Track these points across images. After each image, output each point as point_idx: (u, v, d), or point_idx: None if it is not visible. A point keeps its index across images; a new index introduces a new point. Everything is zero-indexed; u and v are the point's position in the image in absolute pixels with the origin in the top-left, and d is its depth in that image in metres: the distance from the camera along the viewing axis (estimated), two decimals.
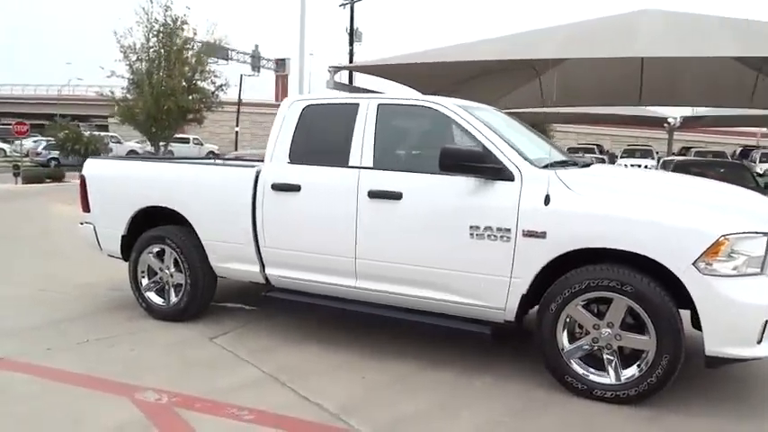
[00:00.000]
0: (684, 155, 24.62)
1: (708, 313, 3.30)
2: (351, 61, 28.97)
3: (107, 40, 19.10)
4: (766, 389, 3.95)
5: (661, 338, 3.39)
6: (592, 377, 3.60)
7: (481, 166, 3.76)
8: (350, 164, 4.28)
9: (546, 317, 3.67)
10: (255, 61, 47.17)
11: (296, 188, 4.40)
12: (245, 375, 3.96)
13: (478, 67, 13.61)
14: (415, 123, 4.46)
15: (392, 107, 4.38)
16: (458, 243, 3.87)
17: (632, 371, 3.52)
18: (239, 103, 39.25)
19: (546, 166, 3.89)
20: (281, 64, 50.52)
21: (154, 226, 5.19)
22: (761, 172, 18.72)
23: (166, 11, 18.71)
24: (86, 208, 5.49)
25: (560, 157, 4.39)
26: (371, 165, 4.21)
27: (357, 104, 4.41)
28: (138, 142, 34.20)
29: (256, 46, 47.39)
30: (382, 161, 4.24)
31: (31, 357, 4.25)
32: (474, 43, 12.43)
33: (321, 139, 4.58)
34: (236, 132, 37.92)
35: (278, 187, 4.47)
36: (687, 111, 24.07)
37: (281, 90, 56.99)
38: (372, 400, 3.61)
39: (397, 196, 4.05)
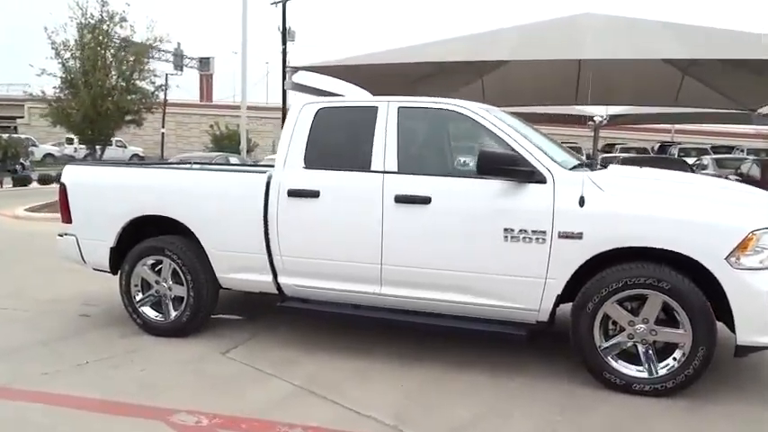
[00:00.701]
0: (609, 152, 25.93)
1: (740, 305, 3.49)
2: (284, 60, 28.64)
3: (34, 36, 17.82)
4: None
5: (697, 331, 3.54)
6: (630, 372, 3.72)
7: (516, 169, 3.80)
8: (372, 168, 4.20)
9: (583, 316, 3.75)
10: (178, 60, 45.33)
11: (315, 194, 4.27)
12: (277, 390, 3.80)
13: (429, 68, 13.77)
14: (437, 126, 4.43)
15: (413, 110, 4.34)
16: (491, 246, 3.88)
17: (669, 363, 3.66)
18: (165, 103, 37.76)
19: (572, 168, 3.99)
20: (205, 63, 48.87)
21: (143, 237, 4.89)
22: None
23: (103, 6, 17.65)
24: (67, 218, 5.09)
25: (577, 160, 4.50)
26: (396, 169, 4.15)
27: (376, 108, 4.34)
28: (54, 145, 32.12)
29: (179, 44, 45.64)
30: (406, 165, 4.19)
31: (29, 383, 3.90)
32: (427, 44, 12.55)
33: (338, 144, 4.47)
34: (162, 134, 36.43)
35: (295, 193, 4.32)
36: (613, 109, 25.37)
37: (207, 90, 55.28)
38: (421, 407, 3.55)
39: (425, 200, 4.02)
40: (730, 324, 3.58)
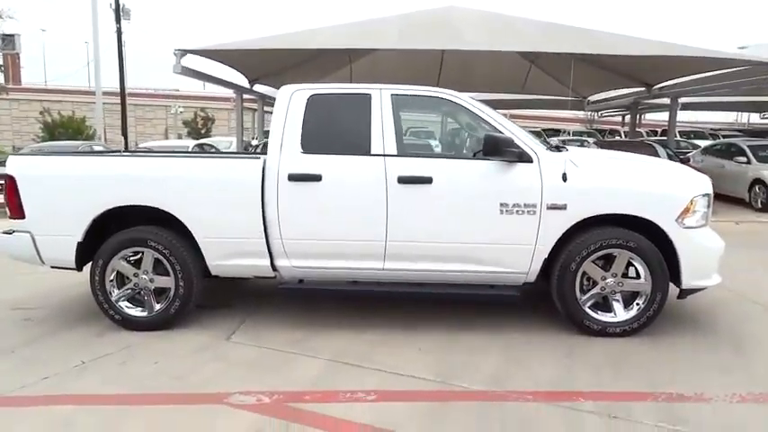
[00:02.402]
0: None
1: (686, 256, 4.39)
2: (119, 41, 26.47)
3: None
4: (708, 312, 5.26)
5: (655, 280, 4.40)
6: (604, 318, 4.48)
7: (510, 150, 4.34)
8: (373, 152, 4.48)
9: (567, 275, 4.43)
10: None
11: (317, 178, 4.44)
12: (312, 365, 3.97)
13: (305, 54, 13.92)
14: (429, 112, 4.82)
15: (405, 97, 4.68)
16: (488, 219, 4.40)
17: (633, 308, 4.49)
18: None
19: (549, 149, 4.64)
20: (8, 41, 43.25)
21: (105, 231, 4.66)
22: None
23: None
24: (18, 213, 4.64)
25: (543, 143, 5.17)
26: (395, 152, 4.48)
27: (369, 95, 4.60)
28: None
29: None
30: (405, 148, 4.53)
31: (39, 389, 3.65)
32: (306, 31, 12.64)
33: (335, 129, 4.65)
34: None
35: (296, 177, 4.44)
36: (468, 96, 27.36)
37: (13, 71, 48.93)
38: (451, 365, 3.97)
39: (427, 180, 4.41)
40: (675, 276, 4.47)
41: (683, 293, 4.58)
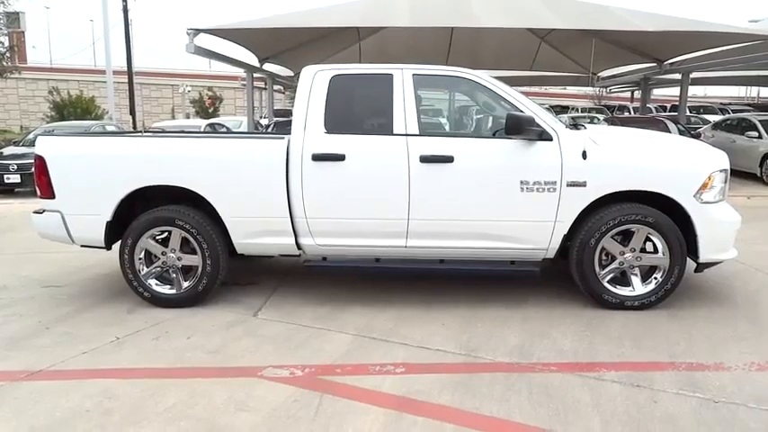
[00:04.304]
0: None
1: (703, 231, 4.47)
2: (126, 18, 26.35)
3: None
4: (723, 285, 5.35)
5: (673, 254, 4.49)
6: (623, 292, 4.59)
7: (532, 128, 4.40)
8: (395, 132, 4.55)
9: (587, 250, 4.52)
10: None
11: (341, 157, 4.52)
12: (341, 340, 4.10)
13: (314, 33, 13.89)
14: (450, 92, 4.87)
15: (426, 77, 4.74)
16: (509, 197, 4.48)
17: (651, 282, 4.59)
18: None
19: (568, 127, 4.70)
20: (14, 18, 43.16)
21: (133, 210, 4.79)
22: None
23: None
24: (49, 193, 4.76)
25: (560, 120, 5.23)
26: (417, 132, 4.54)
27: (390, 75, 4.66)
28: None
29: None
30: (426, 128, 4.61)
31: (79, 363, 3.80)
32: (320, 9, 12.60)
33: (357, 109, 4.73)
34: None
35: (320, 157, 4.52)
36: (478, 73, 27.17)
37: (19, 50, 48.88)
38: (476, 338, 4.09)
39: (449, 159, 4.48)
40: (692, 250, 4.56)
41: (701, 267, 4.67)
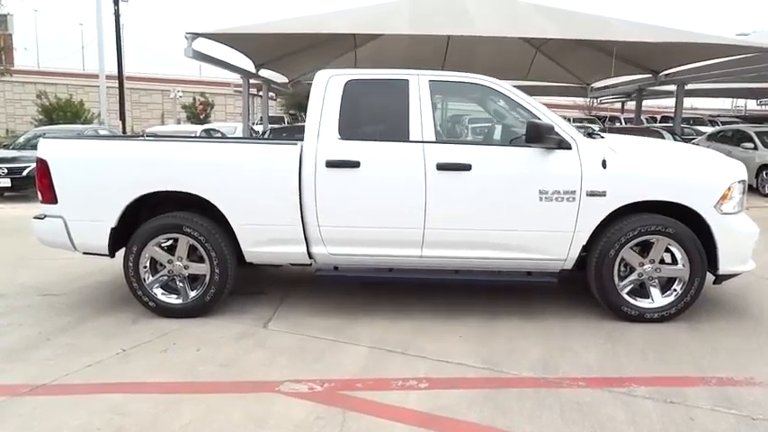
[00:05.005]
0: None
1: (723, 242, 4.40)
2: (117, 23, 26.11)
3: None
4: (737, 296, 5.27)
5: (693, 265, 4.41)
6: (642, 304, 4.50)
7: (552, 137, 4.31)
8: (411, 138, 4.44)
9: (607, 261, 4.43)
10: None
11: (355, 164, 4.39)
12: (357, 353, 3.96)
13: (312, 39, 13.78)
14: (467, 99, 4.78)
15: (443, 83, 4.64)
16: (527, 206, 4.38)
17: (671, 294, 4.50)
18: None
19: (586, 136, 4.62)
20: (1, 21, 42.75)
21: (138, 216, 4.63)
22: None
23: None
24: (51, 198, 4.58)
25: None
26: (434, 139, 4.44)
27: (406, 81, 4.56)
28: None
29: None
30: (443, 135, 4.51)
31: (84, 377, 3.63)
32: (318, 15, 12.49)
33: (372, 115, 4.62)
34: None
35: (334, 164, 4.40)
36: None
37: (7, 53, 48.33)
38: (496, 351, 3.97)
39: (466, 167, 4.38)
40: (710, 261, 4.48)
41: (719, 279, 4.60)
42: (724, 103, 44.52)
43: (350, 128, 4.50)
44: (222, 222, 4.55)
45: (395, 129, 4.49)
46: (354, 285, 5.21)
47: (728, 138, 13.71)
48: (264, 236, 4.55)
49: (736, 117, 29.03)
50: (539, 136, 4.25)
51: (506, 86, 4.58)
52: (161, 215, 4.60)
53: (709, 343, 4.14)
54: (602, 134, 5.24)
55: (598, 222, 4.41)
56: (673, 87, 15.79)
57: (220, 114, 37.43)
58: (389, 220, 4.47)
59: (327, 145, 4.45)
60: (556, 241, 4.45)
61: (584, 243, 4.45)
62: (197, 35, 9.98)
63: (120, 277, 4.80)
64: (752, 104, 37.45)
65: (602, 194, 4.35)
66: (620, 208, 4.39)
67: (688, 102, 35.36)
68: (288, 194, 4.44)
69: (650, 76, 15.42)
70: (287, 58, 15.03)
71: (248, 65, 13.84)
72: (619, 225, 4.41)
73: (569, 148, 4.39)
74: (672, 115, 17.81)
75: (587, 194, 4.35)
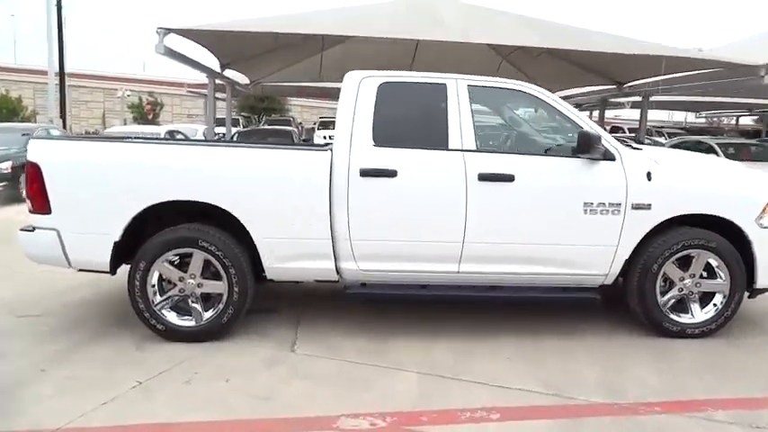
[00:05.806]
0: None
1: (763, 256, 4.33)
2: (59, 16, 24.63)
3: None
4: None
5: (734, 280, 4.32)
6: (683, 320, 4.37)
7: (597, 147, 4.12)
8: (450, 147, 4.16)
9: (649, 276, 4.27)
10: None
11: (392, 173, 4.07)
12: (404, 380, 3.62)
13: (279, 40, 13.30)
14: (507, 106, 4.53)
15: (482, 89, 4.38)
16: (572, 219, 4.18)
17: (710, 309, 4.40)
18: None
19: (629, 147, 4.47)
20: None
21: (142, 229, 4.15)
22: None
23: None
24: (43, 207, 4.03)
25: None
26: (474, 147, 4.18)
27: (444, 84, 4.29)
28: None
29: None
30: (484, 143, 4.25)
31: (104, 419, 3.14)
32: (298, 15, 12.05)
33: (408, 121, 4.29)
34: None
35: (368, 173, 4.06)
36: None
37: None
38: (551, 373, 3.73)
39: (509, 178, 4.13)
40: (748, 275, 4.40)
41: (755, 293, 4.52)
42: (661, 116, 46.48)
43: (385, 134, 4.17)
44: (240, 235, 4.12)
45: (433, 136, 4.20)
46: (373, 301, 4.85)
47: (690, 149, 14.12)
48: (290, 250, 4.15)
49: (681, 129, 30.29)
50: (588, 146, 4.06)
51: (548, 94, 4.37)
52: (171, 228, 4.11)
53: (755, 360, 4.05)
54: (640, 145, 5.11)
55: (642, 236, 4.25)
56: (638, 98, 16.21)
57: (167, 116, 35.94)
58: (427, 233, 4.16)
59: (361, 152, 4.11)
60: (599, 255, 4.26)
61: (627, 257, 4.29)
62: (169, 30, 9.34)
63: (110, 293, 4.29)
64: (691, 117, 39.34)
65: (648, 207, 4.20)
66: (664, 221, 4.25)
67: (630, 114, 36.72)
68: (317, 205, 4.06)
69: (614, 87, 15.74)
70: (254, 59, 14.46)
71: (214, 64, 13.21)
72: (662, 239, 4.27)
73: (613, 159, 4.22)
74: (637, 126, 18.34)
75: (632, 207, 4.19)
